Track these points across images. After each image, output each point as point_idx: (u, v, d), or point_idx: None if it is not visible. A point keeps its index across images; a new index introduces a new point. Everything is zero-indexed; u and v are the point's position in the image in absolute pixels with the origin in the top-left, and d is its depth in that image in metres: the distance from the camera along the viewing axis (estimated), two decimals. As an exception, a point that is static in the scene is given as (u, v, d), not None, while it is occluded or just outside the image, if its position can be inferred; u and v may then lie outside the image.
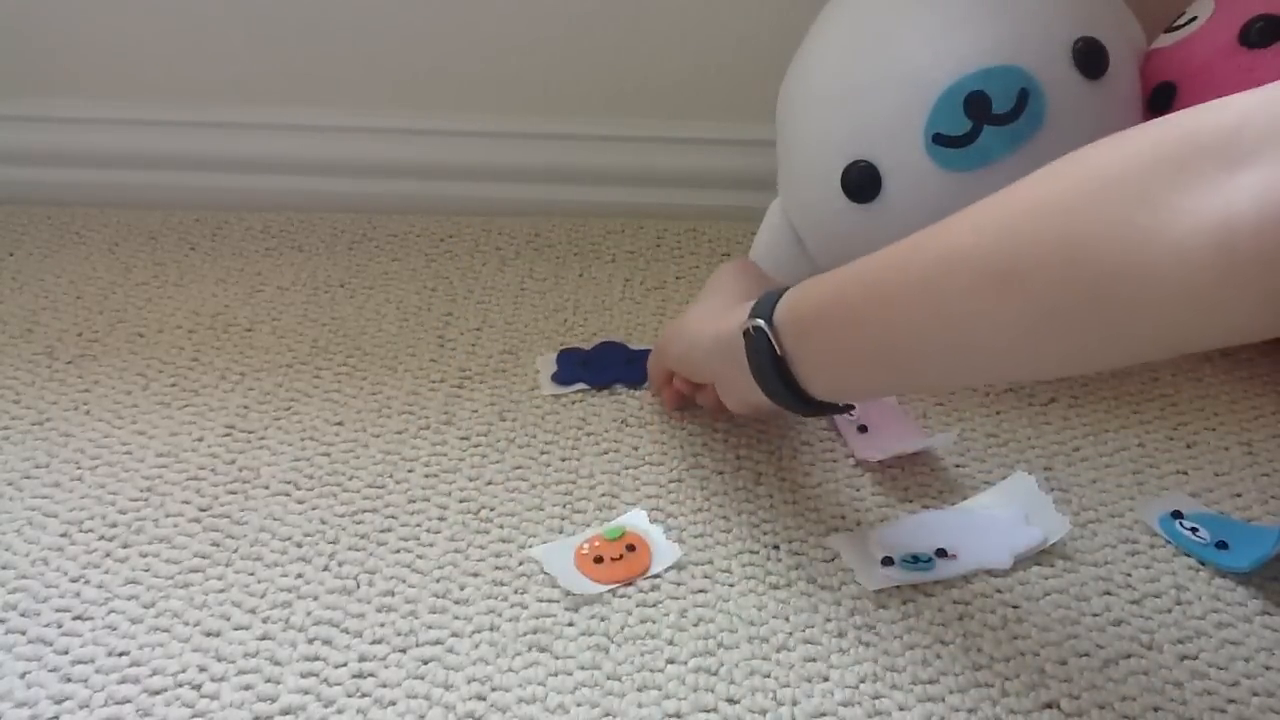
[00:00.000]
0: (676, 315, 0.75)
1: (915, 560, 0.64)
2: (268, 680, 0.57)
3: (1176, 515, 0.67)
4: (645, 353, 0.80)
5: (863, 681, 0.57)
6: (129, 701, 0.56)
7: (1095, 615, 0.61)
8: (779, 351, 0.59)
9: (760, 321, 0.59)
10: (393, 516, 0.68)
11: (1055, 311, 0.46)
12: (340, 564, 0.64)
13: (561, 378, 0.80)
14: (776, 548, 0.66)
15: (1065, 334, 0.46)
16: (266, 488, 0.70)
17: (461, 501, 0.69)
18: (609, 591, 0.63)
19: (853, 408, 0.68)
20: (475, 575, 0.64)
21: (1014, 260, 0.47)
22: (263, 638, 0.59)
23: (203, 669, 0.57)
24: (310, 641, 0.59)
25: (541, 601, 0.62)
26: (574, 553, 0.65)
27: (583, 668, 0.58)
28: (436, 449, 0.74)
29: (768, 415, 0.73)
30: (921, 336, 0.52)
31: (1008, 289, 0.47)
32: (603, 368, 0.81)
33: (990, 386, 0.81)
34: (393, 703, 0.56)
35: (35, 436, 0.75)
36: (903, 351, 0.53)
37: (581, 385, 0.80)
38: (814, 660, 0.58)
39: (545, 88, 1.03)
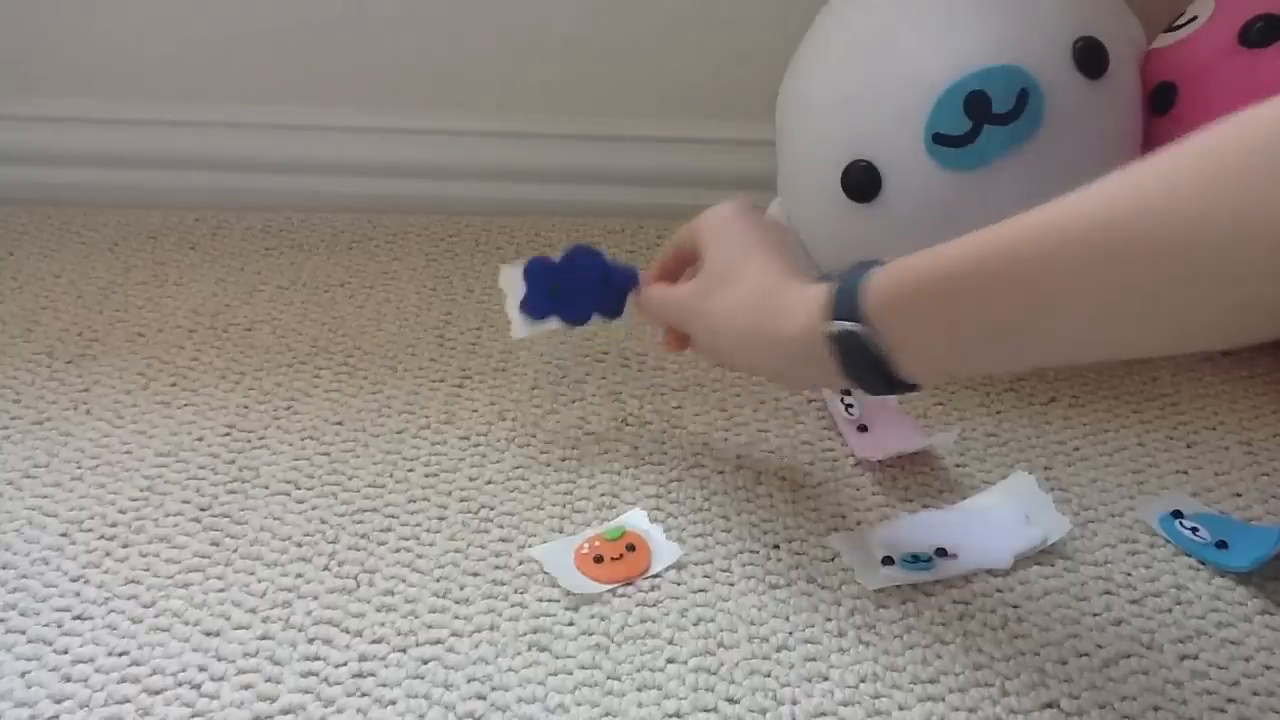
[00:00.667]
0: (680, 291, 0.67)
1: (915, 560, 0.64)
2: (268, 680, 0.57)
3: (1176, 515, 0.67)
4: (623, 272, 0.72)
5: (863, 681, 0.57)
6: (129, 701, 0.56)
7: (1095, 615, 0.61)
8: (880, 353, 0.54)
9: (853, 327, 0.55)
10: (393, 516, 0.68)
11: (1221, 282, 0.44)
12: (340, 564, 0.64)
13: (532, 307, 0.72)
14: (776, 548, 0.66)
15: (1227, 305, 0.44)
16: (266, 487, 0.70)
17: (461, 501, 0.69)
18: (609, 591, 0.62)
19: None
20: (475, 575, 0.64)
21: (1177, 231, 0.44)
22: (263, 638, 0.59)
23: (203, 669, 0.57)
24: (310, 641, 0.59)
25: (541, 601, 0.62)
26: (574, 552, 0.65)
27: (583, 668, 0.58)
28: (436, 449, 0.74)
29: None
30: (1059, 311, 0.48)
31: (1168, 260, 0.44)
32: (576, 293, 0.72)
33: (990, 386, 0.81)
34: (393, 703, 0.56)
35: (35, 436, 0.75)
36: (1031, 329, 0.50)
37: (555, 322, 0.72)
38: (814, 660, 0.58)
39: (545, 88, 1.03)
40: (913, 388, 0.57)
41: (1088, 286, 0.47)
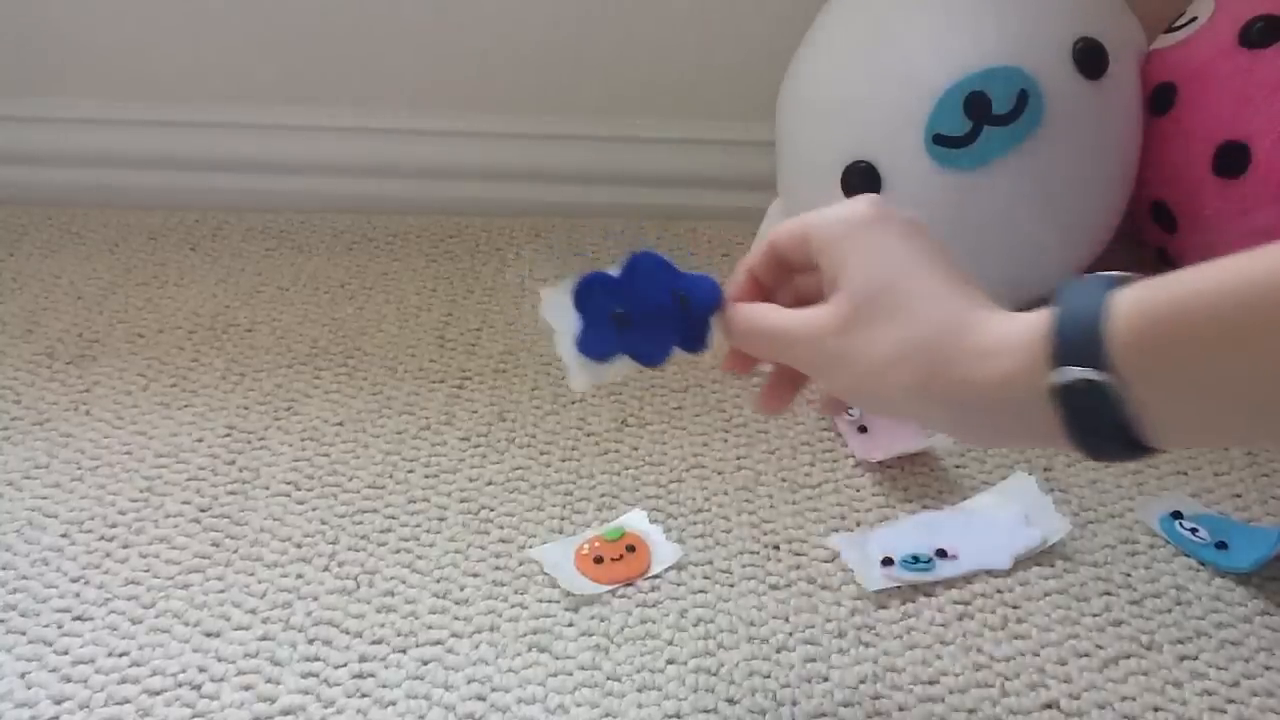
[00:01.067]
0: (809, 319, 0.48)
1: (915, 560, 0.64)
2: (268, 680, 0.57)
3: (1176, 515, 0.67)
4: (701, 285, 0.53)
5: (863, 681, 0.57)
6: (129, 702, 0.56)
7: (1095, 615, 0.61)
8: (1125, 414, 0.40)
9: (1093, 375, 0.40)
10: (393, 517, 0.68)
11: None
12: (340, 564, 0.64)
13: (594, 346, 0.51)
14: (776, 548, 0.66)
15: None
16: (266, 488, 0.70)
17: (461, 502, 0.69)
18: (609, 592, 0.63)
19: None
20: (475, 575, 0.64)
21: None
22: (263, 638, 0.59)
23: (203, 669, 0.57)
24: (310, 641, 0.59)
25: (541, 602, 0.62)
26: (574, 553, 0.65)
27: (583, 668, 0.58)
28: (436, 449, 0.74)
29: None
30: None
31: None
32: (650, 321, 0.52)
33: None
34: (393, 703, 0.56)
35: (35, 437, 0.75)
36: None
37: (625, 363, 0.52)
38: (814, 660, 0.58)
39: (545, 88, 1.03)
40: (1151, 452, 0.43)
41: None
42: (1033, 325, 0.42)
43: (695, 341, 0.52)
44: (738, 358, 0.53)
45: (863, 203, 0.48)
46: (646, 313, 0.52)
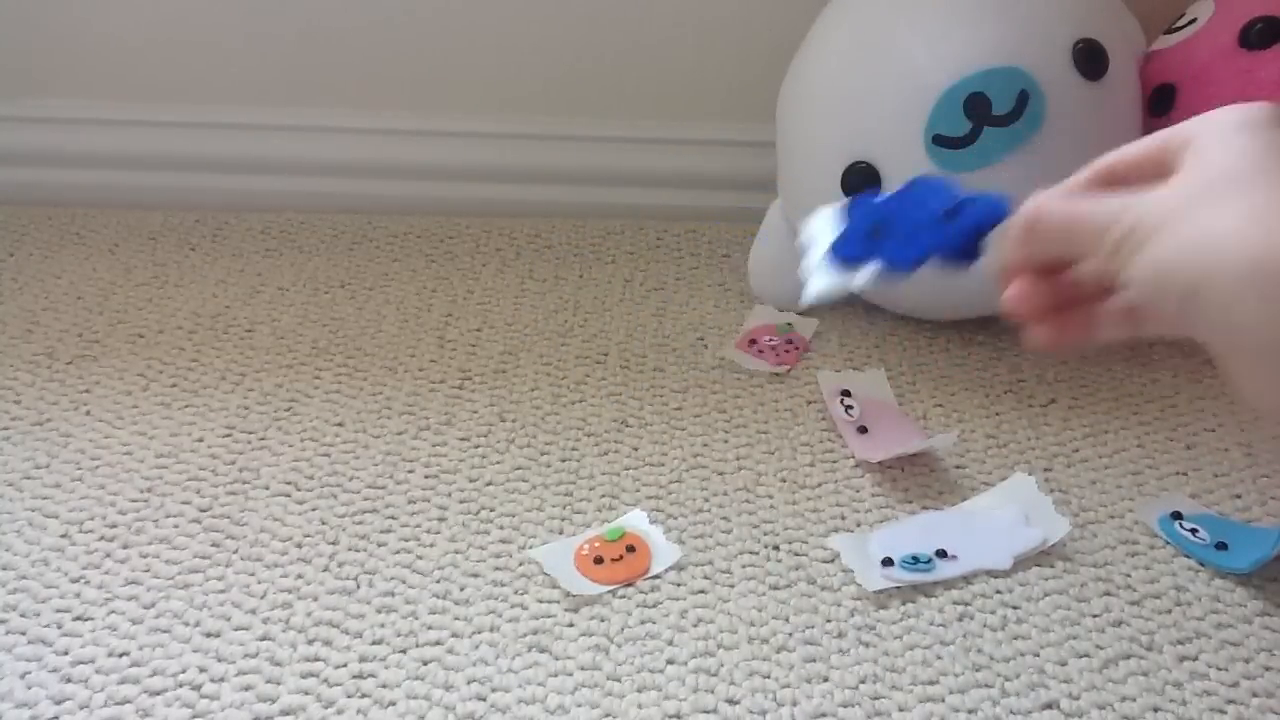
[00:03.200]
0: (1146, 197, 0.41)
1: (915, 561, 0.64)
2: (268, 680, 0.57)
3: (1176, 516, 0.67)
4: (985, 202, 0.47)
5: (863, 682, 0.57)
6: (129, 702, 0.56)
7: (1095, 615, 0.61)
8: None
9: None
10: (393, 517, 0.68)
11: None
12: (340, 564, 0.64)
13: (842, 251, 0.49)
14: (776, 548, 0.66)
15: None
16: (266, 488, 0.70)
17: (461, 502, 0.69)
18: (609, 592, 0.63)
19: None
20: (475, 576, 0.64)
21: None
22: (263, 638, 0.59)
23: (203, 669, 0.57)
24: (310, 642, 0.59)
25: (541, 602, 0.62)
26: (574, 553, 0.65)
27: (583, 668, 0.58)
28: (436, 450, 0.74)
29: None
30: None
31: None
32: (907, 229, 0.49)
33: (989, 387, 0.81)
34: (393, 703, 0.56)
35: (35, 437, 0.75)
36: None
37: (870, 270, 0.48)
38: (814, 660, 0.58)
39: (545, 88, 1.03)
40: None
41: None
42: None
43: (958, 252, 0.47)
44: (1059, 323, 0.45)
45: (1242, 108, 0.41)
46: (905, 221, 0.49)
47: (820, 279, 0.49)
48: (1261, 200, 0.37)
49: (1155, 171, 0.41)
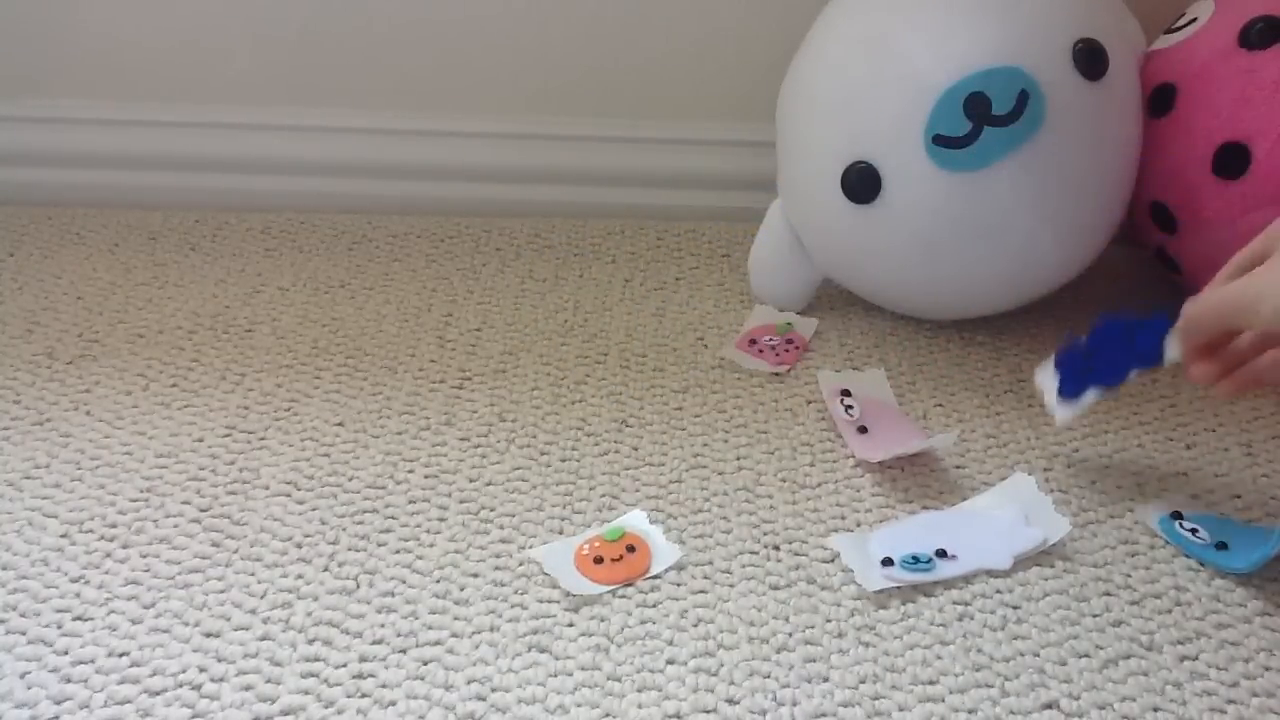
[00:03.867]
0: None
1: (915, 561, 0.64)
2: (268, 680, 0.57)
3: (1176, 516, 0.67)
4: (1157, 322, 0.66)
5: (863, 681, 0.57)
6: (129, 702, 0.56)
7: (1095, 615, 0.61)
8: None
9: None
10: (393, 517, 0.68)
11: None
12: (340, 564, 0.64)
13: (1067, 392, 0.69)
14: (776, 548, 0.66)
15: None
16: (266, 488, 0.70)
17: (461, 502, 0.69)
18: (609, 592, 0.63)
19: None
20: (475, 576, 0.64)
21: None
22: (263, 638, 0.59)
23: (203, 669, 0.57)
24: (310, 642, 0.59)
25: (541, 602, 0.62)
26: (574, 553, 0.65)
27: (583, 668, 0.58)
28: (436, 449, 0.74)
29: None
30: None
31: None
32: (1109, 359, 0.68)
33: (989, 387, 0.81)
34: (393, 703, 0.56)
35: (35, 437, 0.75)
36: None
37: (1093, 394, 0.68)
38: (814, 660, 0.58)
39: (545, 88, 1.03)
40: None
41: None
42: None
43: (1150, 360, 0.66)
44: (1232, 380, 0.64)
45: None
46: (1106, 355, 0.68)
47: (1062, 413, 0.70)
48: None
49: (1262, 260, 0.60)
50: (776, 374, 0.82)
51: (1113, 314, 0.69)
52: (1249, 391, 0.67)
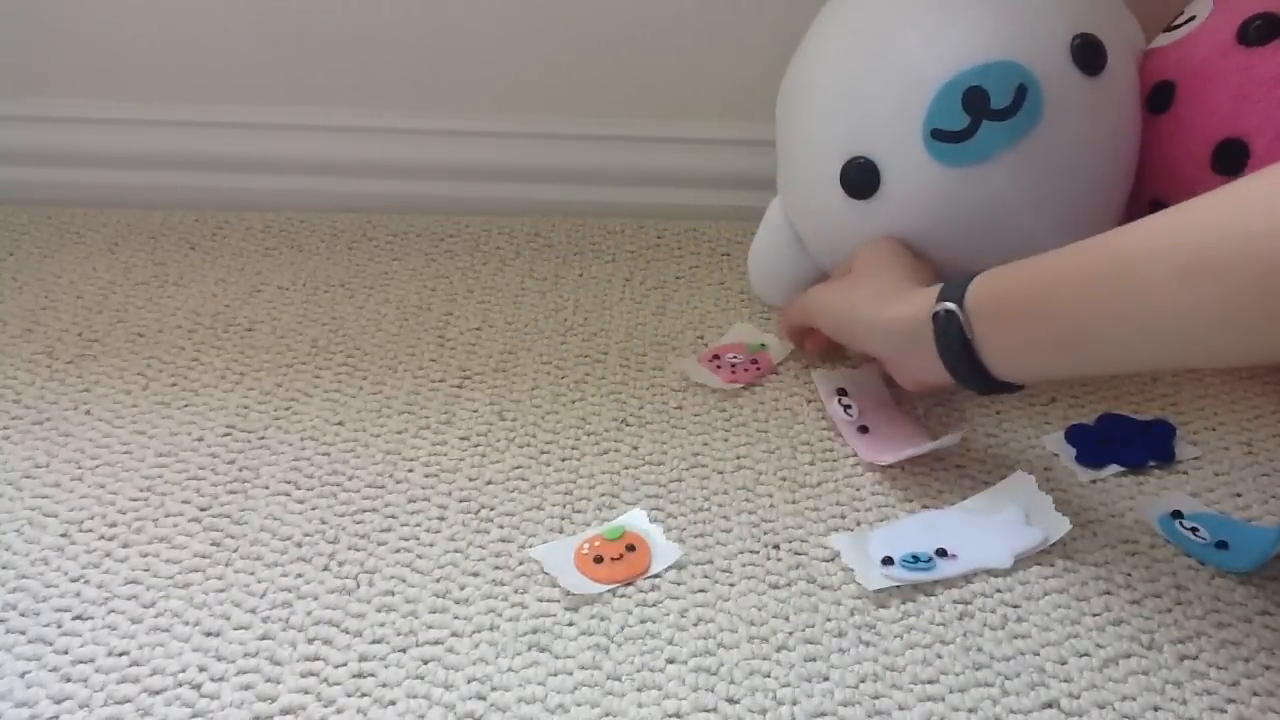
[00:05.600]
0: (828, 286, 0.78)
1: (915, 560, 0.64)
2: (268, 680, 0.57)
3: (1176, 515, 0.67)
4: (1156, 425, 0.75)
5: (863, 681, 0.57)
6: (129, 701, 0.56)
7: (1095, 615, 0.61)
8: (969, 335, 0.63)
9: (952, 306, 0.63)
10: (393, 516, 0.68)
11: (1233, 303, 0.51)
12: (340, 564, 0.64)
13: (1090, 459, 0.73)
14: (776, 548, 0.66)
15: (1241, 325, 0.51)
16: (266, 488, 0.70)
17: (461, 501, 0.69)
18: (609, 591, 0.63)
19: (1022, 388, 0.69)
20: (475, 575, 0.64)
21: (1201, 256, 0.52)
22: (263, 638, 0.59)
23: (203, 669, 0.57)
24: (310, 641, 0.59)
25: (541, 601, 0.62)
26: (574, 553, 0.65)
27: (583, 668, 0.58)
28: (436, 449, 0.74)
29: (932, 391, 0.76)
30: (1109, 325, 0.57)
31: (1194, 282, 0.51)
32: (1125, 444, 0.74)
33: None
34: (393, 703, 0.56)
35: (35, 436, 0.75)
36: (1088, 339, 0.58)
37: (1115, 467, 0.72)
38: (814, 660, 0.58)
39: (545, 88, 1.03)
40: (1006, 388, 0.65)
41: (1127, 306, 0.55)
42: (936, 289, 0.66)
43: (1166, 459, 0.74)
44: (820, 346, 0.82)
45: (879, 242, 0.77)
46: (1120, 441, 0.75)
47: (1083, 475, 0.73)
48: (873, 286, 0.73)
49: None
50: (724, 390, 0.80)
51: (1113, 415, 0.77)
52: (827, 354, 0.83)
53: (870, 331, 0.71)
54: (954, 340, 0.64)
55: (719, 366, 0.82)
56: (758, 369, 0.82)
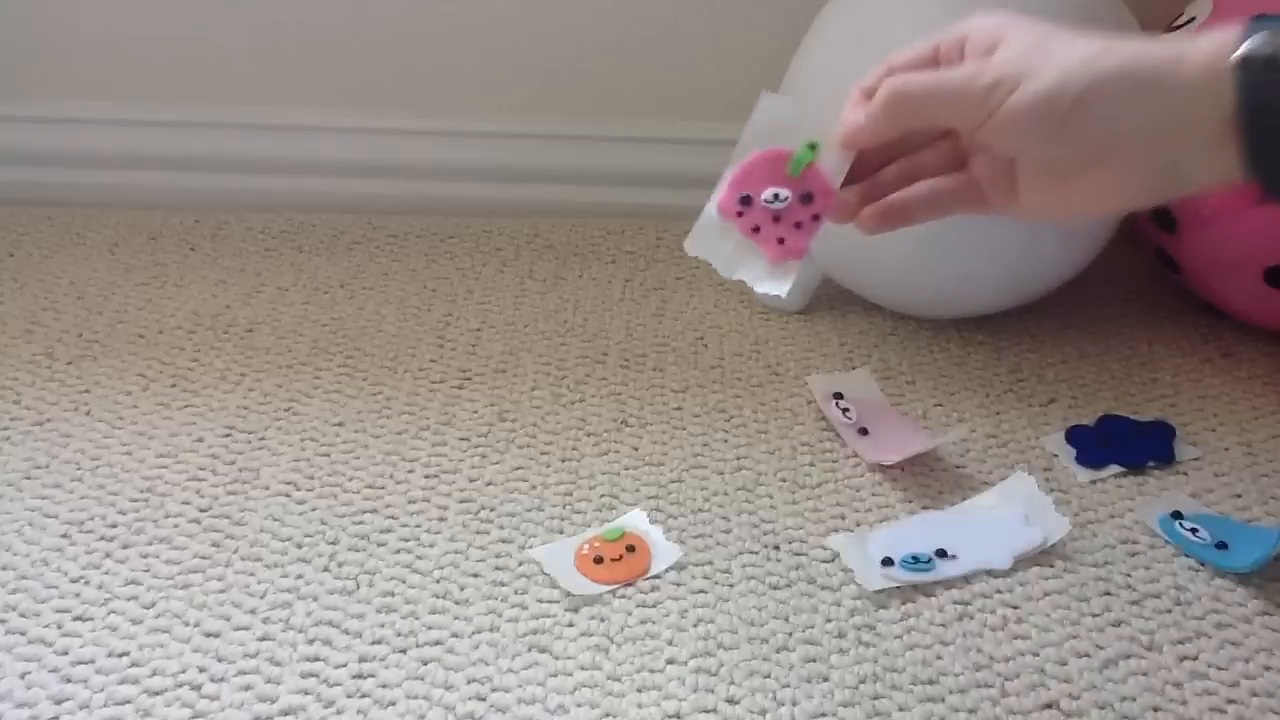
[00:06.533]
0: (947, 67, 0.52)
1: (915, 560, 0.64)
2: (268, 680, 0.57)
3: (1176, 516, 0.67)
4: (1156, 426, 0.75)
5: (863, 681, 0.57)
6: (129, 702, 0.56)
7: (1095, 615, 0.61)
8: None
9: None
10: (393, 517, 0.68)
11: None
12: (340, 564, 0.64)
13: (1090, 460, 0.73)
14: (776, 548, 0.66)
15: None
16: (266, 488, 0.70)
17: (461, 502, 0.69)
18: (609, 592, 0.63)
19: None
20: (475, 576, 0.64)
21: None
22: (263, 638, 0.59)
23: (203, 669, 0.57)
24: (310, 642, 0.59)
25: (541, 602, 0.62)
26: (574, 553, 0.65)
27: (583, 668, 0.58)
28: (436, 449, 0.74)
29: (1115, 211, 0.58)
30: None
31: None
32: (1125, 445, 0.74)
33: (989, 387, 0.80)
34: (393, 703, 0.56)
35: (35, 437, 0.75)
36: None
37: (1115, 467, 0.72)
38: (814, 660, 0.58)
39: (545, 88, 1.03)
40: None
41: None
42: (1229, 31, 0.43)
43: (1165, 460, 0.73)
44: (883, 213, 0.53)
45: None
46: (1120, 442, 0.74)
47: (1082, 475, 0.72)
48: (1084, 42, 0.47)
49: (955, 60, 0.51)
50: (777, 272, 0.56)
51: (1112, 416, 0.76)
52: (893, 227, 0.53)
53: (1104, 107, 0.45)
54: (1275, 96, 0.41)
55: (755, 229, 0.58)
56: (816, 219, 0.55)
